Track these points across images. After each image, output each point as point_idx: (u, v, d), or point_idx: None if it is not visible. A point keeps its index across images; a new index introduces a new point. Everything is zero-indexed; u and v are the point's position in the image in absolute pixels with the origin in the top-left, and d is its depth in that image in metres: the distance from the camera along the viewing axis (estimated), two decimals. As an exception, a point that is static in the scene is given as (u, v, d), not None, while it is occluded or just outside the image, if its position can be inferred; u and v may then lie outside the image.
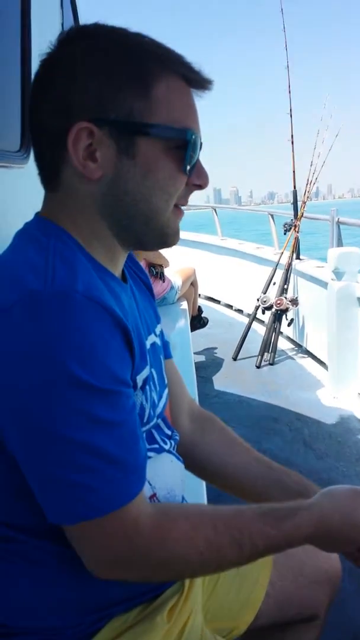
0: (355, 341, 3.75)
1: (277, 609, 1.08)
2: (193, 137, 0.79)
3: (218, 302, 6.54)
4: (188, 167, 0.80)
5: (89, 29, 0.79)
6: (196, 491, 1.41)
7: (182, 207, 0.85)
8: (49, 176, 0.80)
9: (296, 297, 4.62)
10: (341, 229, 4.29)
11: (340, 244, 4.23)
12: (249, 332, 4.68)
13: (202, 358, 4.63)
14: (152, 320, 0.98)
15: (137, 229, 0.81)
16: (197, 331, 4.39)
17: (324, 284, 4.05)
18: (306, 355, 4.65)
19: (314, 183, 4.90)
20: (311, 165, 4.78)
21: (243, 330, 4.70)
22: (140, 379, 0.82)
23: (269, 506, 0.82)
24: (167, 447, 0.92)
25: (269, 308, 4.57)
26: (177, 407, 1.07)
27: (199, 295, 4.47)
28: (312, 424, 3.39)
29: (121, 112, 0.75)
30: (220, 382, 4.13)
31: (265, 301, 4.60)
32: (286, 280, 4.64)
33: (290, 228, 4.83)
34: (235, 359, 4.59)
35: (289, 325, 4.67)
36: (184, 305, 3.56)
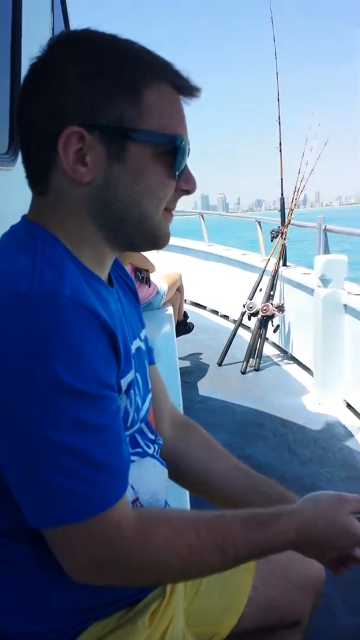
0: (340, 348, 3.78)
1: (260, 614, 1.08)
2: (182, 143, 0.79)
3: (204, 307, 6.55)
4: (177, 173, 0.81)
5: (80, 34, 0.79)
6: (179, 496, 1.41)
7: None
8: (38, 179, 0.81)
9: (282, 304, 4.64)
10: (328, 236, 4.32)
11: (327, 251, 4.25)
12: (235, 338, 4.69)
13: (187, 363, 4.63)
14: (137, 325, 0.99)
15: (128, 231, 0.82)
16: (183, 336, 4.39)
17: (310, 291, 4.08)
18: (291, 362, 4.67)
19: (302, 190, 4.94)
20: (299, 172, 4.82)
21: (229, 336, 4.71)
22: (124, 383, 0.82)
23: (251, 511, 0.83)
24: (150, 451, 0.93)
25: (255, 314, 4.59)
26: (159, 413, 1.07)
27: (185, 300, 4.48)
28: (297, 430, 3.40)
29: (112, 117, 0.76)
30: (205, 387, 4.13)
31: (251, 307, 4.62)
32: (272, 286, 4.66)
33: (277, 235, 4.85)
34: (220, 364, 4.60)
35: (274, 331, 4.69)
36: (170, 310, 3.57)
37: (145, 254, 3.13)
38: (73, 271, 0.74)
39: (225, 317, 6.11)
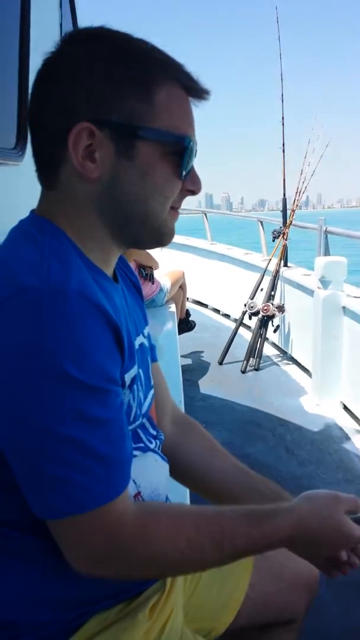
0: (339, 350, 3.78)
1: (256, 611, 1.09)
2: (191, 144, 0.80)
3: (206, 306, 6.55)
4: (184, 173, 0.82)
5: (95, 32, 0.80)
6: (180, 491, 1.42)
7: None
8: (47, 174, 0.81)
9: (283, 304, 4.65)
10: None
11: (327, 253, 4.26)
12: (235, 337, 4.70)
13: (188, 361, 4.64)
14: (141, 321, 1.00)
15: (133, 228, 0.82)
16: (184, 334, 4.40)
17: (310, 292, 4.08)
18: (291, 362, 4.68)
19: (304, 192, 4.94)
20: (301, 174, 4.82)
21: (229, 335, 4.72)
22: (128, 378, 0.83)
23: (249, 507, 0.84)
24: (152, 446, 0.93)
25: (256, 314, 4.60)
26: (161, 410, 1.08)
27: (187, 298, 4.48)
28: (295, 431, 3.41)
29: (123, 115, 0.76)
30: (206, 385, 4.14)
31: (252, 307, 4.63)
32: (273, 286, 4.67)
33: (279, 235, 4.86)
34: (221, 363, 4.61)
35: (274, 331, 4.69)
36: (172, 307, 3.57)
37: (149, 251, 3.14)
38: (80, 267, 0.75)
39: (227, 315, 6.11)
